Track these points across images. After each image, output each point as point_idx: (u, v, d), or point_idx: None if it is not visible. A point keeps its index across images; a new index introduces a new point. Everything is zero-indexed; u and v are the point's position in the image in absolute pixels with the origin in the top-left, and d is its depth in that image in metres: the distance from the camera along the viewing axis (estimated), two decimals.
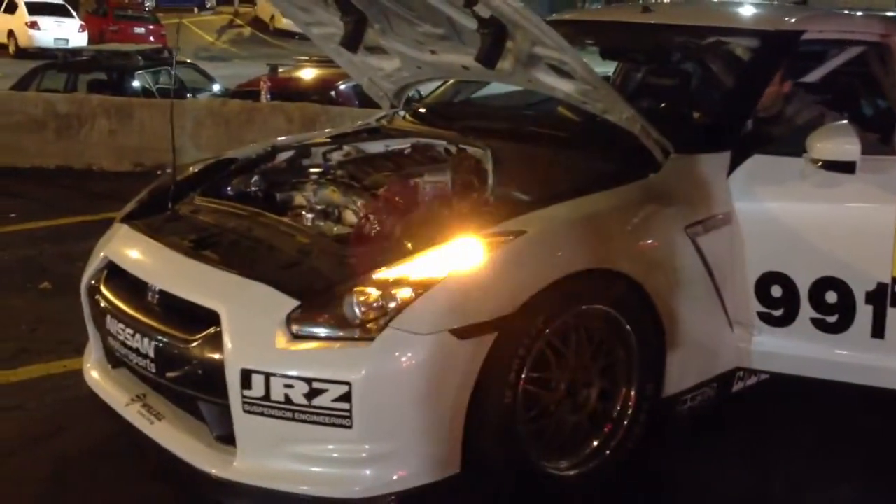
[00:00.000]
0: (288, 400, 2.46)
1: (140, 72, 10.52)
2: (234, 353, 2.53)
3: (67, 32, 22.75)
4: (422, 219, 2.90)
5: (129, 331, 2.82)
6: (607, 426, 2.96)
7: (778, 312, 3.23)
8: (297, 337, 2.52)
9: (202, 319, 2.64)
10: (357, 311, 2.52)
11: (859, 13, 4.29)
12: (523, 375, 2.68)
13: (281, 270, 2.71)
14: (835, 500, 3.05)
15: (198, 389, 2.67)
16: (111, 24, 24.95)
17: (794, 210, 3.17)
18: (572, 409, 2.89)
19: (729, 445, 3.32)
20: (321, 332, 2.53)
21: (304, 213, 3.15)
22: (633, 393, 2.98)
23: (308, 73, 10.42)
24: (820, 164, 3.08)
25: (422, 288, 2.53)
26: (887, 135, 3.48)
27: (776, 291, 3.20)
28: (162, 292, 2.82)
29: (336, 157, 3.63)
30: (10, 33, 22.76)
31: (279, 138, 3.93)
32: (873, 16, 4.08)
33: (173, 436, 2.75)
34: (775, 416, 3.51)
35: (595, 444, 2.93)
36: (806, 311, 3.18)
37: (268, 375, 2.47)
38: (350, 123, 5.03)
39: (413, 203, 3.06)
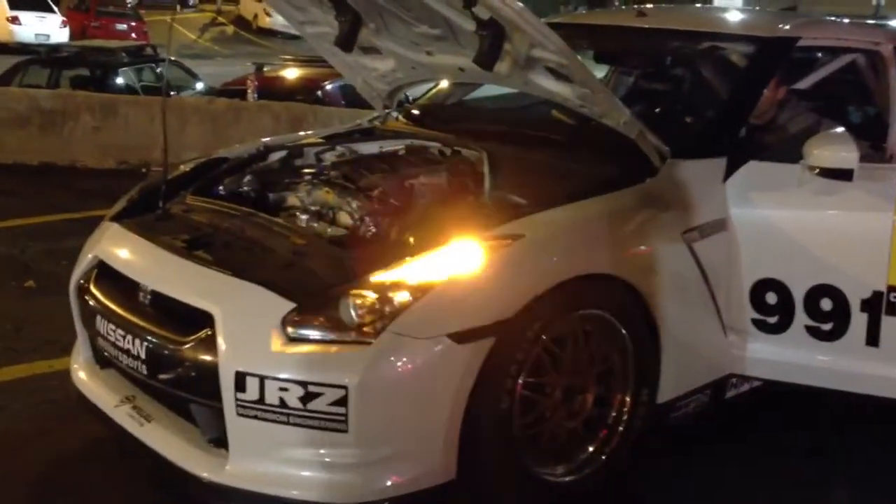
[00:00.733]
0: (283, 403, 2.42)
1: (124, 69, 10.43)
2: (228, 356, 2.48)
3: (49, 28, 22.50)
4: (418, 221, 2.86)
5: (120, 331, 2.77)
6: (603, 432, 2.94)
7: (773, 319, 3.22)
8: (293, 339, 2.48)
9: (196, 321, 2.59)
10: (354, 314, 2.48)
11: (846, 20, 4.31)
12: (520, 380, 2.65)
13: (276, 272, 2.67)
14: None
15: (190, 392, 2.62)
16: (93, 20, 24.71)
17: (790, 217, 3.17)
18: (568, 415, 2.87)
19: (725, 452, 3.30)
20: (317, 334, 2.49)
21: (297, 213, 3.10)
22: (628, 399, 2.97)
23: (293, 73, 10.37)
24: (817, 171, 3.08)
25: (419, 291, 2.50)
26: (879, 142, 3.49)
27: (771, 298, 3.20)
28: (154, 293, 2.77)
29: (329, 157, 3.59)
30: None
31: (269, 138, 3.88)
32: (866, 24, 4.10)
33: (164, 438, 2.70)
34: (767, 422, 3.50)
35: (590, 449, 2.92)
36: (800, 318, 3.18)
37: (262, 378, 2.43)
38: (338, 124, 5.01)
39: (409, 205, 3.03)
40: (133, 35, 23.69)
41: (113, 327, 2.80)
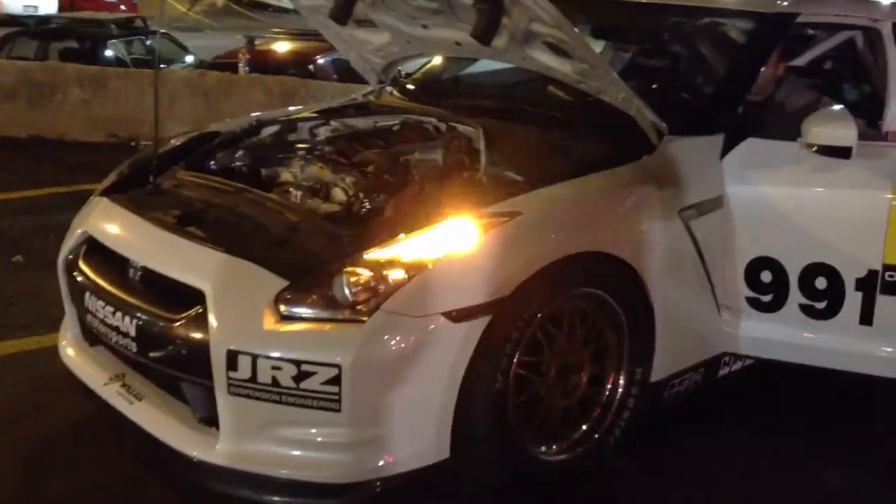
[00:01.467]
0: (275, 382, 2.39)
1: (113, 41, 10.30)
2: (219, 334, 2.45)
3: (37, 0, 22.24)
4: (413, 198, 2.83)
5: (110, 308, 2.73)
6: (597, 411, 2.93)
7: (767, 298, 3.21)
8: (286, 318, 2.45)
9: (187, 298, 2.55)
10: (348, 291, 2.45)
11: None
12: (515, 360, 2.63)
13: (269, 248, 2.63)
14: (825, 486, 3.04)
15: (181, 370, 2.59)
16: None
17: (787, 195, 3.15)
18: (562, 394, 2.85)
19: (722, 433, 3.30)
20: (310, 312, 2.46)
21: (291, 189, 3.06)
22: (622, 377, 2.96)
23: (285, 47, 10.27)
24: (815, 148, 3.06)
25: (414, 269, 2.47)
26: (874, 120, 3.46)
27: (766, 276, 3.18)
28: (145, 269, 2.73)
29: (323, 132, 3.55)
30: None
31: (262, 112, 3.83)
32: (866, 1, 4.05)
33: (154, 417, 2.67)
34: (762, 402, 3.50)
35: (584, 428, 2.90)
36: (795, 296, 3.17)
37: (255, 357, 2.40)
38: (330, 98, 4.95)
39: (404, 182, 2.99)
40: (122, 7, 23.42)
41: (102, 304, 2.77)
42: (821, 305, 3.16)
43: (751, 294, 3.22)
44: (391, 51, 3.79)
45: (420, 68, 4.31)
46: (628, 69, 3.93)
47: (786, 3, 3.63)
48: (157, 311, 2.63)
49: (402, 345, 2.42)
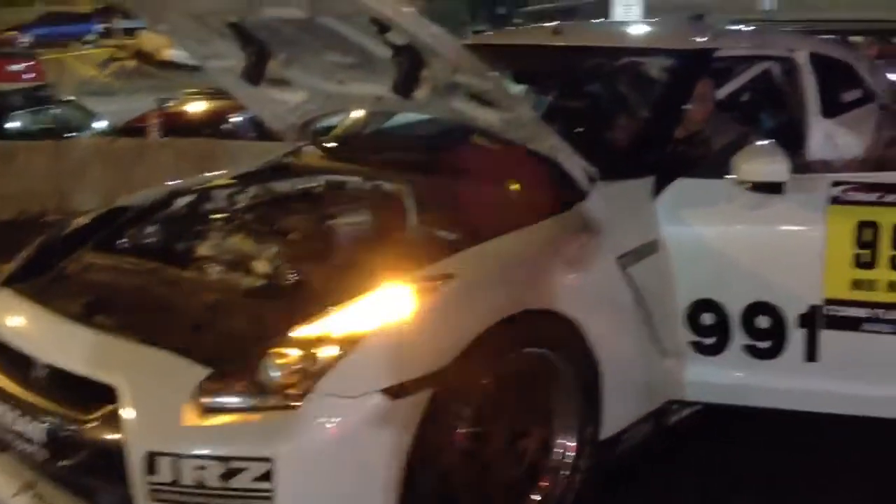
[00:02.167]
0: (201, 483, 2.19)
1: (20, 112, 10.00)
2: (135, 434, 2.25)
3: None
4: (342, 266, 2.68)
5: (14, 413, 2.50)
6: (547, 477, 2.79)
7: (710, 340, 3.14)
8: (209, 410, 2.26)
9: (98, 396, 2.34)
10: (276, 375, 2.28)
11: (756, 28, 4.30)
12: (461, 432, 2.48)
13: (187, 334, 2.45)
14: None
15: (95, 477, 2.37)
16: None
17: (722, 234, 3.09)
18: (511, 463, 2.70)
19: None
20: (236, 402, 2.28)
21: (209, 264, 2.87)
22: (572, 439, 2.83)
23: (198, 106, 10.10)
24: (747, 185, 3.01)
25: (348, 345, 2.32)
26: (795, 149, 3.45)
27: (707, 319, 3.11)
28: (50, 367, 2.51)
29: (242, 199, 3.37)
30: None
31: (175, 181, 3.64)
32: (780, 32, 4.10)
33: None
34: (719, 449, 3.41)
35: (537, 498, 2.75)
36: (738, 337, 3.11)
37: (176, 457, 2.20)
38: (248, 158, 4.79)
39: (331, 249, 2.84)
40: (28, 75, 22.87)
41: (5, 408, 2.53)
42: (764, 345, 3.10)
43: (693, 338, 3.14)
44: (308, 109, 3.65)
45: (339, 124, 4.18)
46: (552, 114, 3.87)
47: (704, 40, 3.63)
48: (65, 413, 2.41)
49: (340, 429, 2.25)
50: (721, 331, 3.10)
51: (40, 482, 2.58)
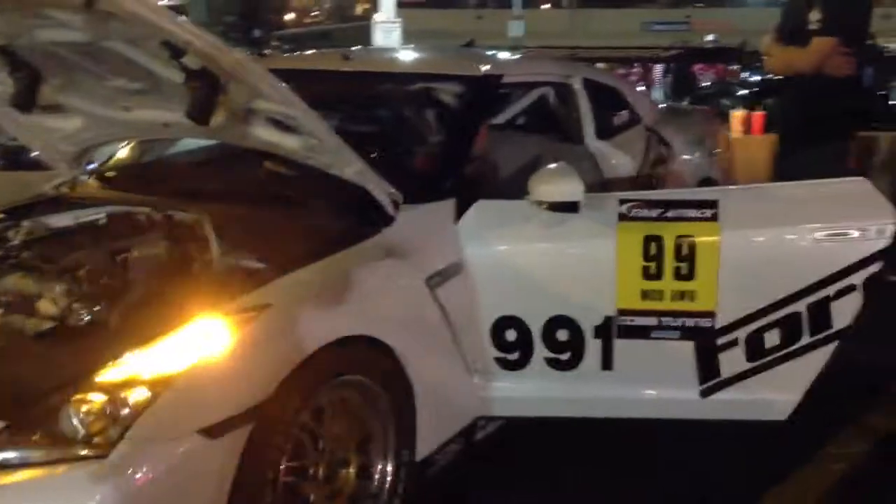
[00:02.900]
0: None
1: None
2: None
3: None
4: (142, 302, 2.51)
5: None
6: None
7: (513, 356, 3.22)
8: (4, 467, 2.03)
9: None
10: (79, 424, 2.08)
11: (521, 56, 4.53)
12: (282, 467, 2.39)
13: None
14: None
15: None
16: None
17: (522, 252, 3.19)
18: (331, 495, 2.63)
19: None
20: (36, 456, 2.06)
21: None
22: (390, 464, 2.81)
23: None
24: (544, 205, 3.13)
25: (160, 386, 2.16)
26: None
27: (511, 335, 3.19)
28: None
29: (16, 235, 3.06)
30: None
31: None
32: (557, 59, 4.33)
33: None
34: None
35: None
36: (540, 351, 3.21)
37: None
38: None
39: (127, 284, 2.65)
40: None
41: None
42: (565, 357, 3.22)
43: (498, 354, 3.21)
44: (85, 137, 3.39)
45: (117, 153, 3.91)
46: (349, 140, 3.85)
47: (489, 67, 3.76)
48: None
49: (155, 475, 2.09)
50: (524, 346, 3.19)
51: None
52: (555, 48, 13.84)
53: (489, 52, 4.49)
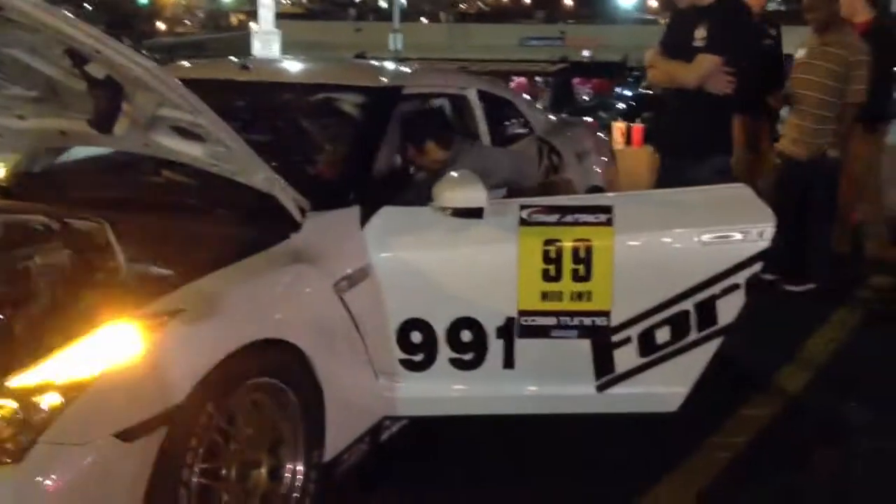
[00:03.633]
0: None
1: None
2: None
3: None
4: (48, 309, 2.47)
5: None
6: None
7: (418, 357, 3.30)
8: None
9: None
10: None
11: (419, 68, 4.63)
12: (196, 469, 2.40)
13: None
14: None
15: None
16: None
17: (427, 257, 3.27)
18: (244, 496, 2.65)
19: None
20: None
21: None
22: (301, 465, 2.84)
23: None
24: (449, 212, 3.22)
25: (73, 390, 2.15)
26: None
27: (416, 337, 3.27)
28: None
29: None
30: None
31: None
32: (454, 71, 4.45)
33: None
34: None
35: None
36: (444, 352, 3.29)
37: None
38: None
39: (30, 292, 2.60)
40: None
41: None
42: (468, 357, 3.31)
43: (403, 356, 3.28)
44: None
45: (4, 161, 3.81)
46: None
47: (390, 78, 3.85)
48: None
49: (69, 479, 2.08)
50: (428, 347, 3.27)
51: None
52: (437, 60, 14.03)
53: (386, 64, 4.57)
